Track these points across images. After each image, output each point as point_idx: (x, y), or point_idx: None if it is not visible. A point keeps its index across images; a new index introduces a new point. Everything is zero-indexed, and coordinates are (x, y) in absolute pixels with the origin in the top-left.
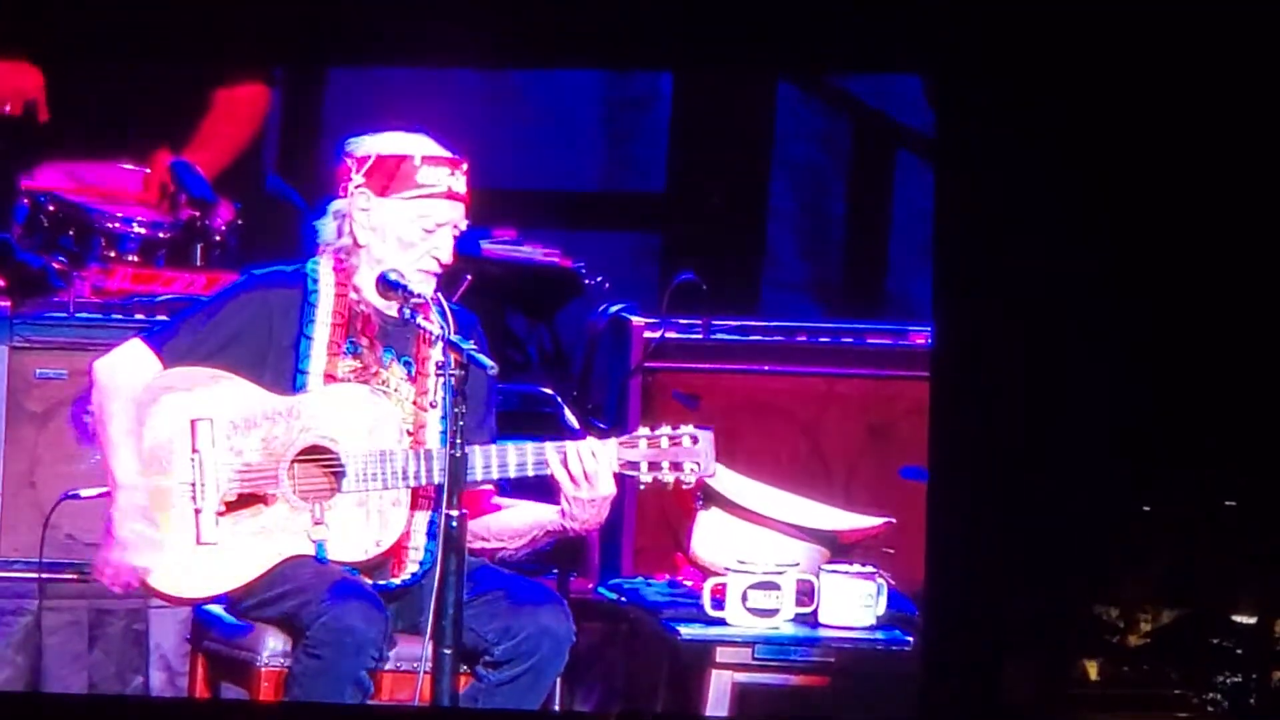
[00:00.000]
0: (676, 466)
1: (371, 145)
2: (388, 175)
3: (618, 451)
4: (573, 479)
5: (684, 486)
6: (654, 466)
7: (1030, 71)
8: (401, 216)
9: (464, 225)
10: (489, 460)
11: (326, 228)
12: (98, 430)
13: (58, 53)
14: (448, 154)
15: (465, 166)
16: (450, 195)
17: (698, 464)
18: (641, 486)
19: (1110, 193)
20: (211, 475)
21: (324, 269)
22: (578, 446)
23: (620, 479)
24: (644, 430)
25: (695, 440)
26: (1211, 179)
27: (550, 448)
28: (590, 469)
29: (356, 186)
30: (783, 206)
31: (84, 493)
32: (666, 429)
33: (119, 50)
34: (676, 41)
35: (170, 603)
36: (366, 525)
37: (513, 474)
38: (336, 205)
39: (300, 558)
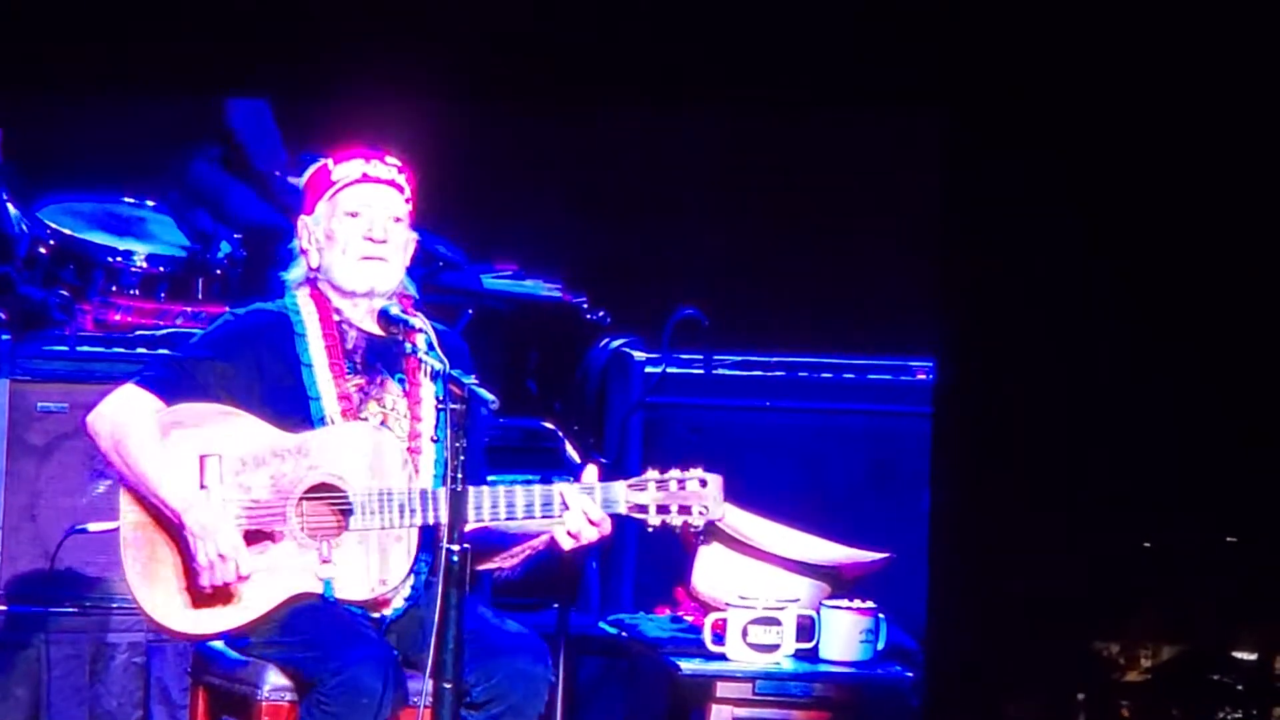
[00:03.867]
0: (685, 510)
1: (305, 175)
2: (312, 190)
3: (626, 494)
4: (572, 535)
5: (692, 530)
6: (662, 510)
7: (1037, 106)
8: (325, 216)
9: (398, 210)
10: (496, 501)
11: (294, 270)
12: (127, 475)
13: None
14: (368, 149)
15: (391, 159)
16: (366, 179)
17: (706, 507)
18: (649, 529)
19: (1117, 229)
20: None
21: (302, 299)
22: (578, 505)
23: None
24: (653, 473)
25: (704, 483)
26: (1221, 214)
27: (558, 495)
28: (588, 523)
29: (299, 218)
30: (787, 240)
31: (91, 527)
32: (675, 472)
33: (90, 82)
34: (680, 77)
35: (174, 638)
36: (371, 564)
37: (519, 516)
38: (293, 244)
39: (307, 596)
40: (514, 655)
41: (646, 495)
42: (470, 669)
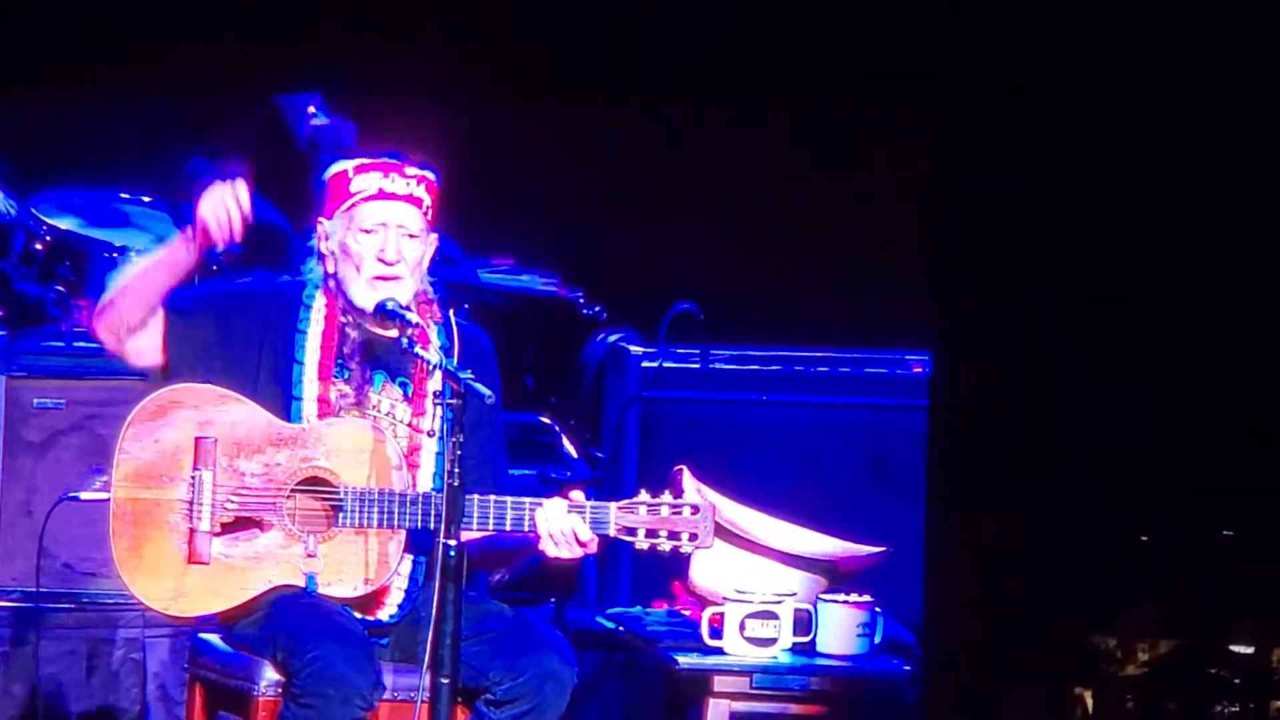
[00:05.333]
0: (674, 536)
1: (327, 175)
2: (331, 196)
3: (616, 516)
4: (554, 541)
5: (681, 553)
6: (651, 534)
7: (1037, 106)
8: (342, 228)
9: (413, 226)
10: (485, 513)
11: (312, 270)
12: (131, 290)
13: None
14: (388, 160)
15: (412, 170)
16: (383, 196)
17: (695, 535)
18: (637, 551)
19: (1116, 228)
20: (209, 495)
21: (317, 297)
22: (555, 521)
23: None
24: (644, 496)
25: (695, 511)
26: (1221, 213)
27: (538, 517)
28: (567, 531)
29: (318, 219)
30: (783, 234)
31: (83, 495)
32: (667, 497)
33: (106, 80)
34: (682, 77)
35: (158, 617)
36: (358, 562)
37: (508, 529)
38: (312, 243)
39: (290, 588)
40: (543, 655)
41: (636, 518)
42: (495, 665)
